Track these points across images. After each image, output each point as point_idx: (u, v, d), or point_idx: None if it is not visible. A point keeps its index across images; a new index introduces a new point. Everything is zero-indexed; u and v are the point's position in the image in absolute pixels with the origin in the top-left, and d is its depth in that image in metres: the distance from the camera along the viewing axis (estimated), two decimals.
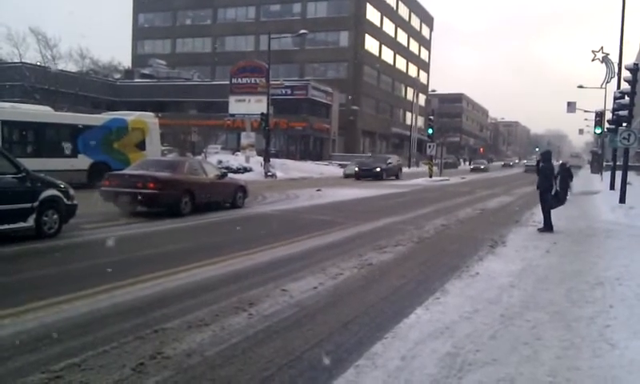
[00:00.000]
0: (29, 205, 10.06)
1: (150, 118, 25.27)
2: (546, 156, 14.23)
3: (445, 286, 7.61)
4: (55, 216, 10.60)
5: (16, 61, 49.72)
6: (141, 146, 23.62)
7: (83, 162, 20.93)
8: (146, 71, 68.71)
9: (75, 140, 21.14)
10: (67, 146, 20.82)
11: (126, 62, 78.56)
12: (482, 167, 65.77)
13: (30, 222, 10.10)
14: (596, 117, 34.72)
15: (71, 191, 11.24)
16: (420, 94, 78.56)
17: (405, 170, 57.26)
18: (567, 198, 13.92)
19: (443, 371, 4.58)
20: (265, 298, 6.73)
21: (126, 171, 15.78)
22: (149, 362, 4.68)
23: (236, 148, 49.20)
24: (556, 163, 16.76)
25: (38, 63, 49.50)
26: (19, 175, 10.06)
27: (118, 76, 72.32)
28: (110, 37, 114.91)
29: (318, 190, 24.93)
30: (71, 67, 58.40)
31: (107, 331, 5.40)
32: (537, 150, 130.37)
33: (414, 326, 5.75)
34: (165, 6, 76.56)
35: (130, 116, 24.53)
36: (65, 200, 10.87)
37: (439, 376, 4.49)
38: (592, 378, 4.50)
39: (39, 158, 18.19)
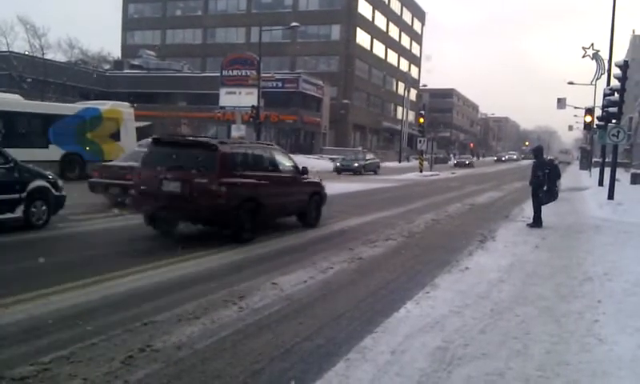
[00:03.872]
0: (17, 195, 9.97)
1: (125, 108, 24.36)
2: (538, 151, 14.27)
3: (435, 280, 7.63)
4: (44, 207, 10.52)
5: (4, 50, 49.21)
6: (115, 136, 22.85)
7: (55, 152, 20.17)
8: (135, 62, 68.13)
9: (46, 130, 20.40)
10: (38, 136, 19.95)
11: (115, 52, 78.05)
12: (467, 162, 64.14)
13: (19, 212, 10.03)
14: (585, 113, 34.94)
15: (60, 182, 11.16)
16: (411, 89, 78.56)
17: (395, 164, 57.50)
18: (557, 194, 13.95)
19: (433, 365, 4.59)
20: (255, 292, 6.71)
21: (116, 162, 15.66)
22: (138, 354, 4.66)
23: None
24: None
25: (27, 52, 49.05)
26: (7, 165, 9.97)
27: (107, 66, 71.73)
28: (99, 27, 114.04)
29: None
30: (60, 57, 58.13)
31: (96, 323, 5.37)
32: (526, 144, 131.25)
33: (404, 321, 5.76)
34: None
35: (104, 105, 23.72)
36: (53, 191, 10.78)
37: (429, 370, 4.50)
38: (581, 373, 4.53)
39: (7, 149, 17.29)
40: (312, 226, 12.26)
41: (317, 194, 12.89)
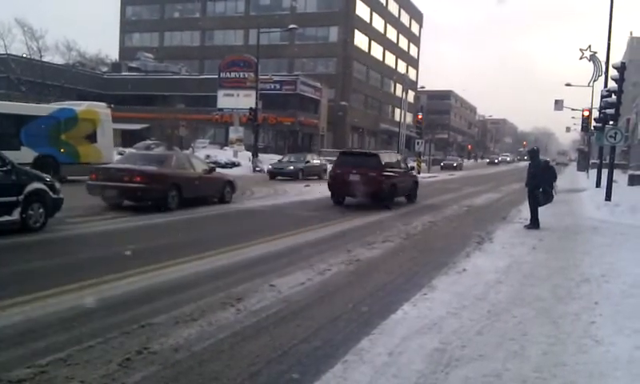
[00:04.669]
0: (14, 198, 9.95)
1: (101, 109, 23.41)
2: (534, 153, 14.32)
3: (432, 282, 7.64)
4: (41, 210, 10.49)
5: (1, 52, 49.12)
6: (91, 138, 21.98)
7: (27, 154, 18.63)
8: (133, 64, 68.13)
9: (18, 131, 19.32)
10: (9, 138, 18.56)
11: (113, 54, 78.05)
12: (455, 165, 61.09)
13: (15, 215, 10.00)
14: (583, 115, 35.05)
15: (57, 185, 11.14)
16: (409, 91, 78.61)
17: None
18: (553, 196, 13.97)
19: (430, 367, 4.59)
20: (253, 294, 6.71)
21: (113, 165, 15.65)
22: (135, 357, 4.66)
23: (224, 143, 49.02)
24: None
25: (24, 55, 49.00)
26: (4, 168, 9.94)
27: (105, 69, 71.73)
28: (97, 29, 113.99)
29: (307, 186, 24.91)
30: (58, 59, 58.01)
31: (93, 326, 5.37)
32: (525, 145, 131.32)
33: (402, 322, 5.76)
34: None
35: (80, 106, 22.70)
36: (51, 193, 10.76)
37: (426, 371, 4.50)
38: (578, 374, 4.54)
39: None
40: (413, 203, 19.51)
41: (416, 182, 20.87)
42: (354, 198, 17.62)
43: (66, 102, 24.32)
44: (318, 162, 34.31)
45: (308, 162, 32.60)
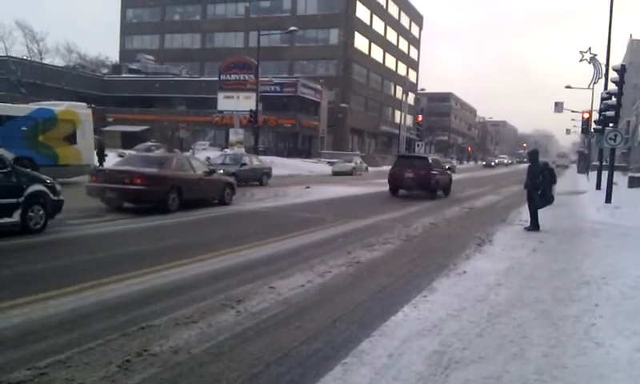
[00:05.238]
0: (14, 200, 9.95)
1: (82, 109, 22.56)
2: (533, 155, 14.32)
3: (432, 284, 7.64)
4: (41, 211, 10.50)
5: (2, 54, 49.23)
6: (71, 139, 21.25)
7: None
8: (133, 66, 68.21)
9: None
10: None
11: (113, 57, 78.18)
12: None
13: (16, 217, 10.00)
14: (583, 117, 35.08)
15: (58, 187, 11.15)
16: (409, 93, 78.65)
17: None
18: (553, 198, 13.97)
19: (430, 369, 4.59)
20: (253, 296, 6.71)
21: (113, 167, 15.65)
22: (135, 358, 4.65)
23: (224, 145, 49.03)
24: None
25: (25, 57, 49.08)
26: (4, 170, 9.95)
27: (105, 71, 71.82)
28: (97, 32, 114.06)
29: (307, 188, 24.92)
30: (58, 62, 58.17)
31: (93, 328, 5.37)
32: (525, 146, 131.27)
33: (402, 324, 5.76)
34: (153, 1, 75.96)
35: (59, 106, 21.92)
36: (51, 195, 10.77)
37: (426, 373, 4.50)
38: (578, 376, 4.54)
39: None
40: (446, 196, 24.27)
41: (451, 179, 25.95)
42: (408, 191, 22.97)
43: (45, 102, 23.50)
44: (259, 163, 29.01)
45: (244, 164, 26.57)
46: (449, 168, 27.07)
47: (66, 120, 21.33)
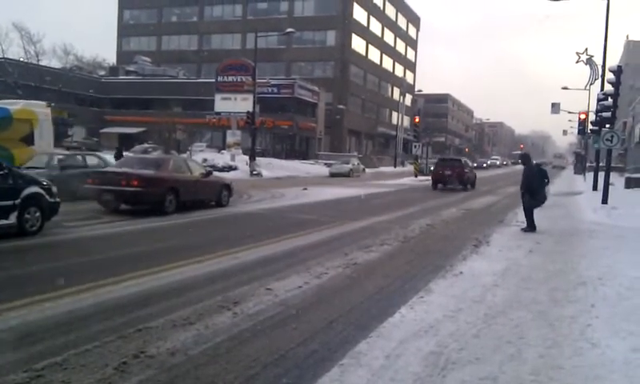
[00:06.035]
0: (10, 202, 9.94)
1: (40, 108, 20.91)
2: (525, 158, 14.42)
3: (429, 285, 7.64)
4: (37, 213, 10.49)
5: None
6: (28, 139, 19.54)
7: None
8: (130, 68, 68.15)
9: None
10: None
11: (110, 58, 78.08)
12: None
13: (12, 219, 10.00)
14: (580, 118, 35.16)
15: (54, 189, 11.13)
16: (406, 94, 78.74)
17: (391, 169, 57.40)
18: (546, 198, 14.06)
19: (427, 370, 4.60)
20: (249, 297, 6.71)
21: (110, 169, 15.63)
22: (132, 360, 4.65)
23: (221, 146, 49.04)
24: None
25: (22, 59, 49.01)
26: (1, 172, 9.94)
27: (102, 73, 71.75)
28: (94, 34, 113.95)
29: (304, 189, 24.93)
30: (55, 63, 58.08)
31: (90, 330, 5.36)
32: (521, 147, 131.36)
33: (399, 325, 5.76)
34: (150, 2, 75.98)
35: (15, 105, 20.50)
36: (47, 197, 10.77)
37: (423, 374, 4.50)
38: (574, 377, 4.54)
39: None
40: (473, 189, 30.58)
41: (475, 175, 32.34)
42: (446, 186, 29.32)
43: (0, 101, 22.05)
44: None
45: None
46: (474, 166, 37.86)
47: (23, 120, 19.72)
